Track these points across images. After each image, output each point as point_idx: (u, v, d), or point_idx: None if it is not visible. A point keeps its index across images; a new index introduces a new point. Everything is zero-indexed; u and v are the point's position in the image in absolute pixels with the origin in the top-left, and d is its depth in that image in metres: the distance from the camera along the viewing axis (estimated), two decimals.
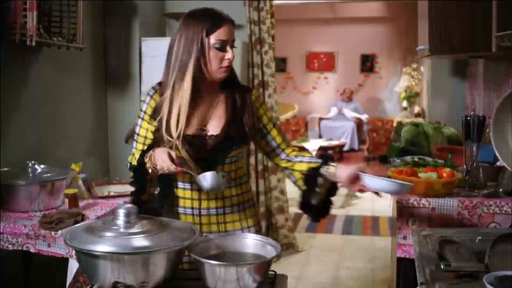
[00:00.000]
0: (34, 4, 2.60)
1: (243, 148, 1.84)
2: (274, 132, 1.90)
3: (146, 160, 1.71)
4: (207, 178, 1.65)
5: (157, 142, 1.79)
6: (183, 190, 1.84)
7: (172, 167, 1.64)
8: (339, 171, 1.79)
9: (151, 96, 1.83)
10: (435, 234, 1.81)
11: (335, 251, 4.48)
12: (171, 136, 1.72)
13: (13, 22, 2.60)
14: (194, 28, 1.73)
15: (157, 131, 1.78)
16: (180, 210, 1.84)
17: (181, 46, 1.74)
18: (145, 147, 1.80)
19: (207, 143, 1.77)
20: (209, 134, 1.78)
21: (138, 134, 1.84)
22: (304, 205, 1.88)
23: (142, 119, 1.83)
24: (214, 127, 1.79)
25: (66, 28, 3.05)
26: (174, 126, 1.73)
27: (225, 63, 1.75)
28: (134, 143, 1.85)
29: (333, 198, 1.91)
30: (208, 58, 1.73)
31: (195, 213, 1.83)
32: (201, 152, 1.75)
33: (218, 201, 1.84)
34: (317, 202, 1.85)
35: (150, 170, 1.71)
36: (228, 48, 1.75)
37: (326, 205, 1.90)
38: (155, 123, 1.78)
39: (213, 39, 1.72)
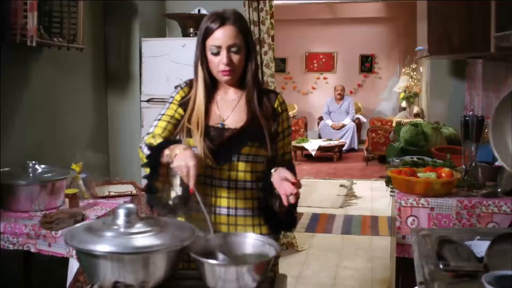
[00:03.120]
0: (35, 5, 2.61)
1: (259, 148, 1.77)
2: (280, 144, 1.86)
3: (167, 150, 1.60)
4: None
5: (175, 133, 1.81)
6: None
7: (192, 178, 1.53)
8: (274, 174, 1.71)
9: (182, 88, 1.86)
10: (434, 233, 1.82)
11: (334, 250, 4.48)
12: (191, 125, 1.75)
13: (13, 22, 2.61)
14: (199, 31, 1.77)
15: (180, 121, 1.80)
16: (198, 207, 1.83)
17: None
18: (169, 126, 1.79)
19: (223, 134, 1.77)
20: (226, 127, 1.78)
21: (163, 114, 1.82)
22: (267, 212, 1.80)
23: (171, 103, 1.84)
24: (232, 122, 1.79)
25: (66, 29, 3.05)
26: (195, 119, 1.76)
27: (221, 68, 1.74)
28: (156, 121, 1.82)
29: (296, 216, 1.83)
30: (208, 61, 1.77)
31: (206, 209, 1.81)
32: (216, 142, 1.75)
33: (230, 201, 1.79)
34: (278, 209, 1.76)
35: (165, 160, 1.61)
36: (223, 53, 1.72)
37: (288, 218, 1.81)
38: (181, 111, 1.81)
39: (208, 43, 1.74)
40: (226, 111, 1.82)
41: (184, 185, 1.64)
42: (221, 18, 1.73)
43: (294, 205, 1.77)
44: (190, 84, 1.86)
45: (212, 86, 1.82)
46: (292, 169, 1.78)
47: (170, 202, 1.71)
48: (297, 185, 1.61)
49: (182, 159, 1.54)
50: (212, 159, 1.75)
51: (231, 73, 1.76)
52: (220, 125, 1.79)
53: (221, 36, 1.72)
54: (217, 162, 1.76)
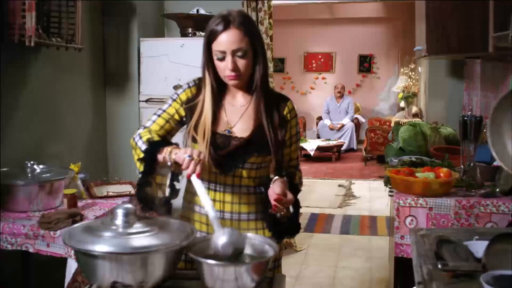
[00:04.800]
0: (33, 5, 2.61)
1: (265, 156, 1.75)
2: (287, 150, 1.83)
3: (165, 152, 1.62)
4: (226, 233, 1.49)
5: (172, 133, 1.80)
6: None
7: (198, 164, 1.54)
8: (271, 186, 1.72)
9: (189, 87, 1.82)
10: (433, 233, 1.82)
11: (333, 250, 4.48)
12: (197, 133, 1.72)
13: (12, 22, 2.61)
14: (205, 34, 1.74)
15: (181, 122, 1.79)
16: (196, 208, 1.82)
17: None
18: (167, 125, 1.78)
19: (230, 143, 1.74)
20: (233, 135, 1.75)
21: (164, 111, 1.80)
22: (271, 220, 1.79)
23: (174, 100, 1.80)
24: (239, 130, 1.76)
25: (65, 29, 3.05)
26: (201, 128, 1.73)
27: (227, 73, 1.70)
28: (155, 117, 1.79)
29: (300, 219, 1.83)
30: (214, 65, 1.73)
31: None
32: (222, 152, 1.73)
33: (234, 206, 1.79)
34: (281, 216, 1.75)
35: (161, 158, 1.63)
36: (228, 58, 1.67)
37: (291, 224, 1.79)
38: (183, 111, 1.78)
39: (213, 48, 1.70)
40: (234, 118, 1.78)
41: (174, 182, 1.66)
42: (225, 21, 1.67)
43: (296, 213, 1.78)
44: (198, 84, 1.80)
45: (220, 90, 1.78)
46: (292, 178, 1.78)
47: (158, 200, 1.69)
48: (283, 200, 1.63)
49: (187, 150, 1.56)
50: (217, 168, 1.73)
51: (237, 78, 1.71)
52: (227, 132, 1.76)
53: (225, 40, 1.66)
54: (222, 171, 1.74)
